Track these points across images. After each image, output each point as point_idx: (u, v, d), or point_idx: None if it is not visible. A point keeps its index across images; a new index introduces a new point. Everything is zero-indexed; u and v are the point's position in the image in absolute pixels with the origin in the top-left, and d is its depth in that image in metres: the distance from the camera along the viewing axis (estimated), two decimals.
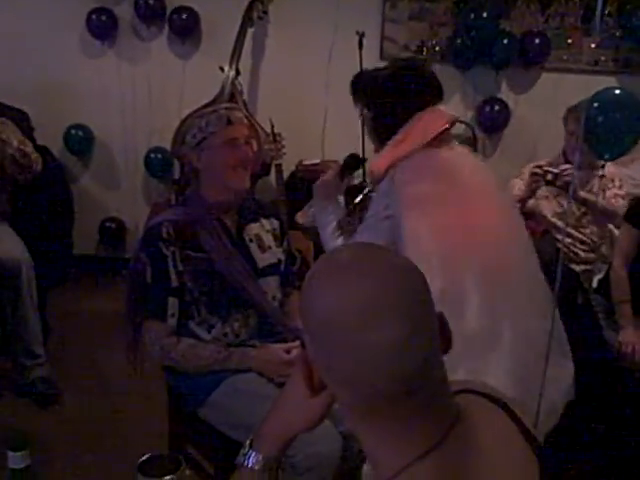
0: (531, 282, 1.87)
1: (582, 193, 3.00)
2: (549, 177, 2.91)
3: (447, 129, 1.89)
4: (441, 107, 1.94)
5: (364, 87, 1.95)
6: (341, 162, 4.05)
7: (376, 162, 1.90)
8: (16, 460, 1.13)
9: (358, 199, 2.04)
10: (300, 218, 2.25)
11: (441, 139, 1.88)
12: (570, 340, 2.04)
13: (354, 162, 2.28)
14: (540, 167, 2.97)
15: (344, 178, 2.18)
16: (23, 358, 3.06)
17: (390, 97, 1.89)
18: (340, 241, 2.03)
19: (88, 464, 2.57)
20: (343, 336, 0.88)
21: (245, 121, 2.14)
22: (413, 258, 0.97)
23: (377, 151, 1.98)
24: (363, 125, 3.79)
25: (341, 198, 2.13)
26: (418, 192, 1.81)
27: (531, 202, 3.17)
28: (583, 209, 3.12)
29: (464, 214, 1.81)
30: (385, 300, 0.88)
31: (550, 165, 3.00)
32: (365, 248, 0.99)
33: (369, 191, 2.01)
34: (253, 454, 1.09)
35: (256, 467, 1.09)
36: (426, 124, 1.87)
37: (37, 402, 3.00)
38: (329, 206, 2.10)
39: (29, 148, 3.13)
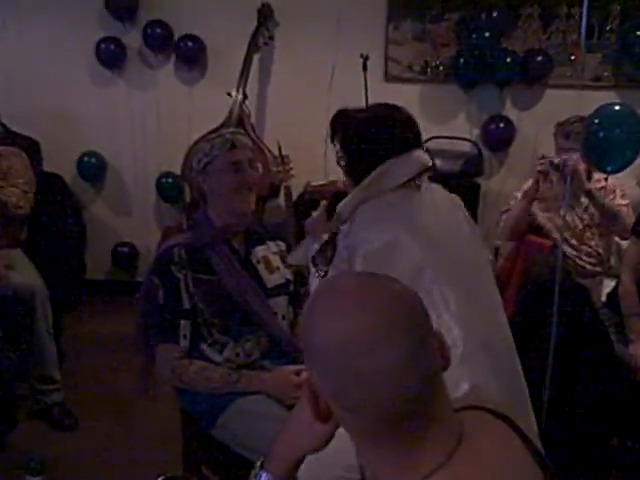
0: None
1: (587, 184, 3.02)
2: (556, 161, 2.95)
3: (417, 176, 1.84)
4: (419, 152, 1.88)
5: (341, 127, 1.92)
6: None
7: (343, 204, 1.89)
8: None
9: (325, 238, 2.03)
10: (290, 258, 2.26)
11: (409, 185, 1.83)
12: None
13: (339, 201, 2.28)
14: (543, 157, 3.00)
15: (331, 217, 2.14)
16: (39, 383, 3.10)
17: (363, 142, 1.86)
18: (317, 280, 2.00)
19: None
20: (347, 363, 0.90)
21: (250, 145, 2.19)
22: None
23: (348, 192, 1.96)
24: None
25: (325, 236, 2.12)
26: (369, 239, 1.76)
27: (539, 216, 3.20)
28: (586, 221, 3.14)
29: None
30: (386, 326, 0.90)
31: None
32: (363, 276, 1.02)
33: (335, 233, 2.01)
34: (264, 475, 1.11)
35: None
36: (396, 170, 1.82)
37: (53, 427, 3.04)
38: (314, 244, 2.09)
39: (8, 194, 3.16)
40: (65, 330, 3.54)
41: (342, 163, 1.92)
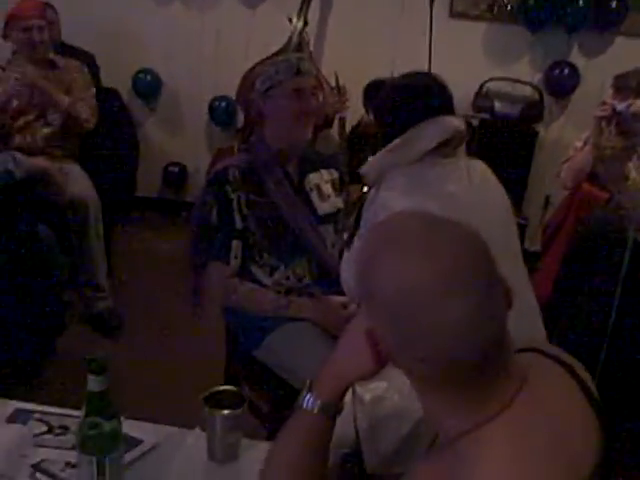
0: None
1: None
2: (619, 107, 2.87)
3: (447, 142, 1.81)
4: (450, 118, 1.84)
5: (373, 95, 1.93)
6: None
7: (368, 166, 1.88)
8: (95, 383, 1.21)
9: (355, 200, 2.02)
10: None
11: (440, 153, 1.81)
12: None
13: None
14: (604, 103, 2.92)
15: None
16: (89, 290, 3.21)
17: (392, 108, 1.86)
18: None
19: (152, 392, 2.69)
20: (415, 313, 0.88)
21: (314, 72, 2.17)
22: None
23: None
24: None
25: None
26: (395, 207, 1.70)
27: (597, 166, 3.12)
28: None
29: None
30: (454, 273, 0.87)
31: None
32: (426, 218, 0.96)
33: (364, 193, 1.99)
34: (312, 398, 1.12)
35: (315, 410, 1.11)
36: (425, 135, 1.80)
37: (103, 331, 3.15)
38: None
39: (79, 109, 3.23)
40: (114, 244, 3.63)
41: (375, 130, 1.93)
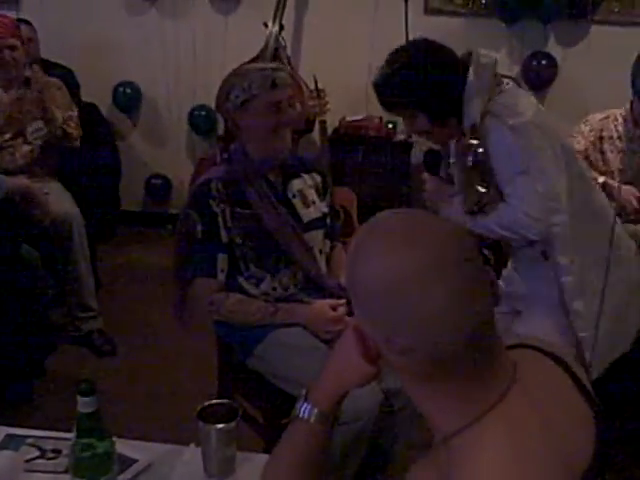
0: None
1: None
2: None
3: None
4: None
5: (406, 88, 1.97)
6: (385, 119, 4.03)
7: (467, 114, 1.96)
8: (85, 405, 1.19)
9: (470, 160, 2.02)
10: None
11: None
12: None
13: (435, 157, 2.24)
14: None
15: (437, 174, 2.21)
16: (77, 311, 3.17)
17: (438, 82, 1.96)
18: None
19: (145, 410, 2.68)
20: (398, 304, 0.88)
21: (290, 82, 2.14)
22: None
23: (441, 126, 2.04)
24: None
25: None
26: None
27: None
28: None
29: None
30: (437, 263, 0.88)
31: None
32: (410, 213, 0.98)
33: (477, 145, 2.00)
34: (308, 407, 1.11)
35: (312, 419, 1.11)
36: (481, 74, 1.95)
37: (93, 353, 3.12)
38: (452, 206, 2.13)
39: (72, 125, 3.21)
40: (100, 260, 3.60)
41: (425, 119, 2.01)
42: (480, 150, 1.97)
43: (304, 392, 1.14)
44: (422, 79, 1.95)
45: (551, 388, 1.00)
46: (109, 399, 2.67)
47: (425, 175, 2.23)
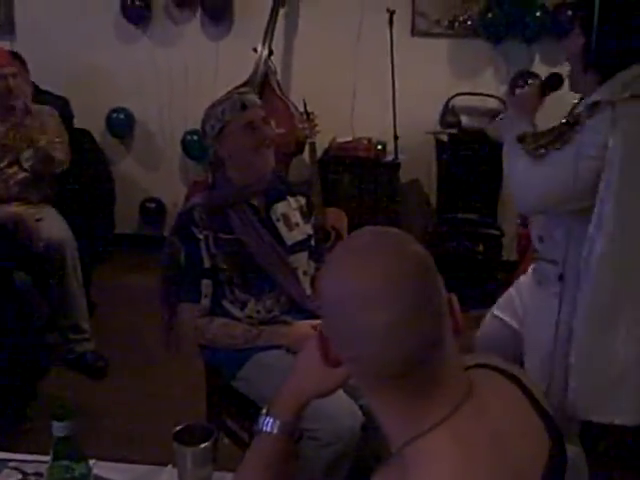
0: None
1: None
2: None
3: None
4: None
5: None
6: (378, 138, 4.08)
7: (593, 96, 1.87)
8: (59, 429, 1.22)
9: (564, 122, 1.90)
10: (490, 131, 2.23)
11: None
12: None
13: (557, 81, 2.13)
14: None
15: (544, 96, 2.11)
16: (70, 333, 3.21)
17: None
18: (523, 160, 1.98)
19: (133, 431, 2.71)
20: (346, 317, 0.95)
21: (259, 102, 2.19)
22: None
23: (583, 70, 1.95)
24: (394, 102, 3.82)
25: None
26: None
27: None
28: None
29: None
30: (385, 285, 0.93)
31: None
32: (379, 234, 1.02)
33: (576, 104, 1.93)
34: (270, 420, 1.15)
35: (274, 431, 1.14)
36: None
37: (86, 375, 3.15)
38: (522, 122, 2.05)
39: (57, 148, 3.24)
40: (94, 283, 3.64)
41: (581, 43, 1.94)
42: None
43: (266, 407, 1.18)
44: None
45: (506, 404, 1.04)
46: (100, 421, 2.73)
47: (534, 83, 2.15)
